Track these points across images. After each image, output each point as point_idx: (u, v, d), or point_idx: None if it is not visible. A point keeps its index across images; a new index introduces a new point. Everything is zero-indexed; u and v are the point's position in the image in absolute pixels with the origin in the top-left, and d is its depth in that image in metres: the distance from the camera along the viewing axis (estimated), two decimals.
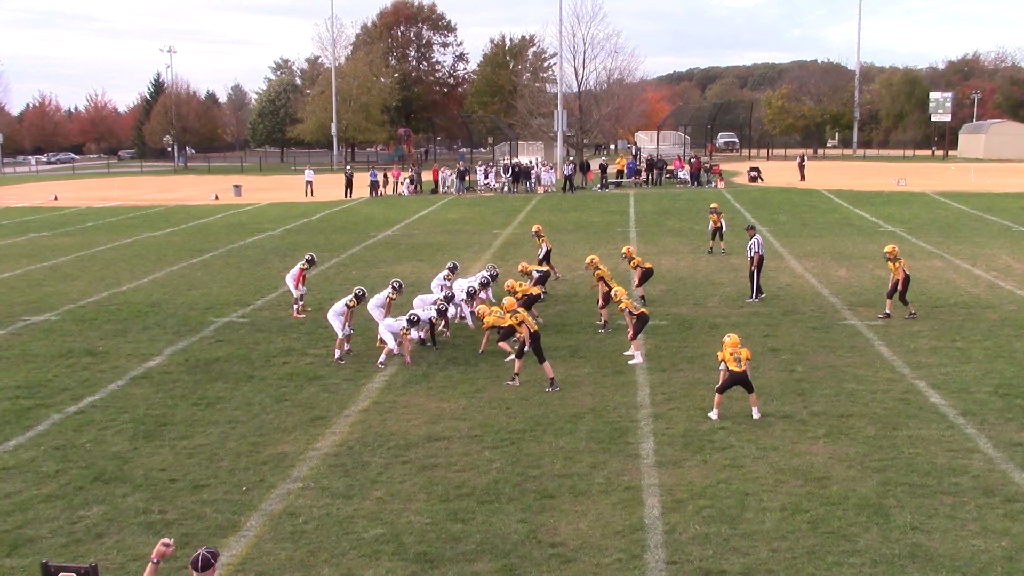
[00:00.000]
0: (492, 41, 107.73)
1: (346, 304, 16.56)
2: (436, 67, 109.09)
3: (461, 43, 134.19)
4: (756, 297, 20.80)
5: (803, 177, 55.62)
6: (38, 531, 9.75)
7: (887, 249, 19.06)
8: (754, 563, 8.77)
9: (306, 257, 20.66)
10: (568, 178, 52.09)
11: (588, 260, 19.21)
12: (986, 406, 13.26)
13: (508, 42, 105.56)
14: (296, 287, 20.01)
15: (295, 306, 20.09)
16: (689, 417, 12.95)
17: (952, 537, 9.23)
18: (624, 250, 21.24)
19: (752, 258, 20.87)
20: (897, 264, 18.51)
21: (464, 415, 13.30)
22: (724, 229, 28.00)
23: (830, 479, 10.71)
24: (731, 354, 12.72)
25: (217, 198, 52.03)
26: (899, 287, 18.53)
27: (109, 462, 11.65)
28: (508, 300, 15.97)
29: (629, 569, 8.73)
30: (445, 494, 10.50)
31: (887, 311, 18.83)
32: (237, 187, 54.99)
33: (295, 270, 20.15)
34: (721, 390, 12.88)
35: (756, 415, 12.83)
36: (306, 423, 13.08)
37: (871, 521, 9.61)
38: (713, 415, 12.85)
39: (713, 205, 29.56)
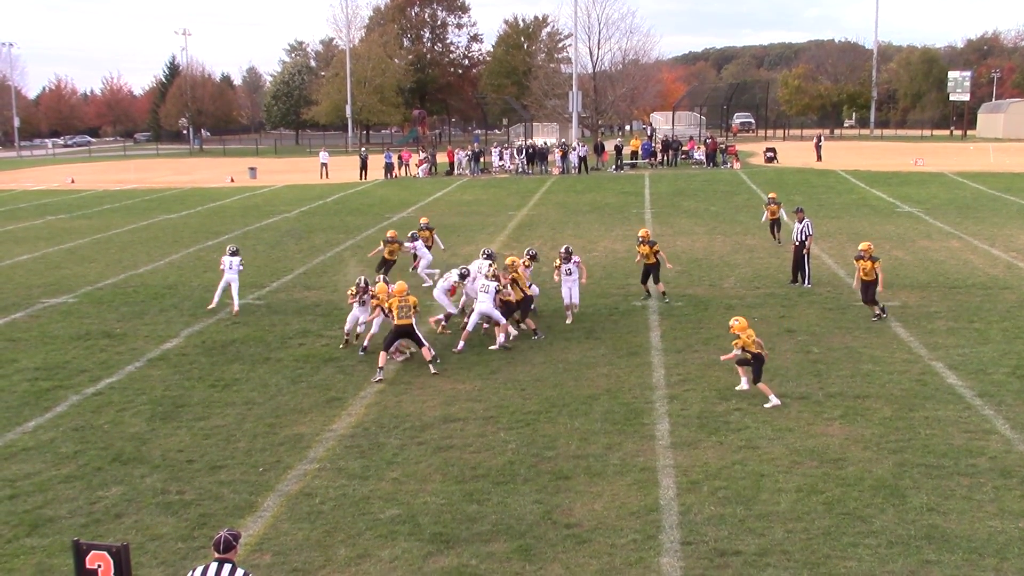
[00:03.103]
0: (506, 22, 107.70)
1: (453, 283, 17.00)
2: (450, 48, 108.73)
3: (475, 24, 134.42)
4: (807, 282, 20.13)
5: (819, 157, 55.23)
6: (57, 511, 9.86)
7: (862, 247, 17.56)
8: (769, 544, 8.78)
9: (356, 282, 16.36)
10: (582, 159, 51.93)
11: (508, 261, 17.04)
12: (1004, 387, 13.18)
13: (522, 23, 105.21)
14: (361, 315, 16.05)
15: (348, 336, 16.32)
16: (704, 398, 12.94)
17: (969, 518, 9.20)
18: (641, 233, 19.51)
19: (805, 243, 20.17)
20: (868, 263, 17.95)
21: (479, 396, 13.33)
22: (784, 219, 25.93)
23: (846, 460, 10.69)
24: (752, 339, 12.61)
25: (232, 180, 52.15)
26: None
27: (127, 443, 11.75)
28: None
29: (644, 550, 8.75)
30: (461, 475, 10.54)
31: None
32: (252, 169, 55.09)
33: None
34: (759, 378, 12.70)
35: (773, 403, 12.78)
36: (322, 404, 13.14)
37: (887, 502, 9.59)
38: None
39: (771, 195, 27.31)
